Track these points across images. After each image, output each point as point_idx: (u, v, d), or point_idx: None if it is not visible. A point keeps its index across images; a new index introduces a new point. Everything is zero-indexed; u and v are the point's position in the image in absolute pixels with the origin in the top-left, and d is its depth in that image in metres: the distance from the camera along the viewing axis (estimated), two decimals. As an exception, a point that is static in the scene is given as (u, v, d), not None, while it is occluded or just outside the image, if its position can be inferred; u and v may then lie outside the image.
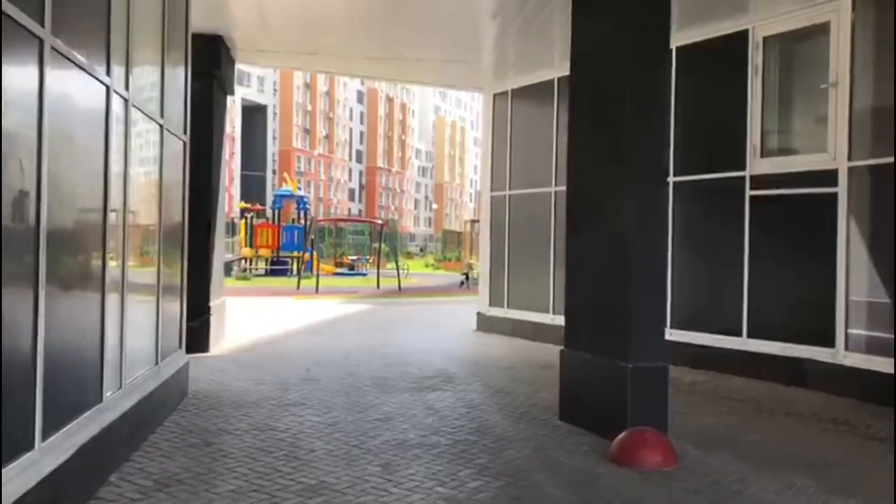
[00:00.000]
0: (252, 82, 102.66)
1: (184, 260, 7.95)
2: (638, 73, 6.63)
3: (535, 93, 13.51)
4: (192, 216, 11.63)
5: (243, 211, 38.06)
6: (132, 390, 5.88)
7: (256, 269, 36.54)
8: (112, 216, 5.34)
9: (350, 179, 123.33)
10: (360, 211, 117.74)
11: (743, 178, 9.93)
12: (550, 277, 12.89)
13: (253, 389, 8.45)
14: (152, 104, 6.59)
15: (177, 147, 7.55)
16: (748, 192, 9.88)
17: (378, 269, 28.04)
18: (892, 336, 8.11)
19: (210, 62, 11.20)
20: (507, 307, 13.88)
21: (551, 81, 12.94)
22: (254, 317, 16.70)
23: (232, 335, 12.77)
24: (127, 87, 5.63)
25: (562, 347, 7.78)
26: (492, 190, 14.36)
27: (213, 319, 11.34)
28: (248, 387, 8.61)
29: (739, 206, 9.93)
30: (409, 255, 69.03)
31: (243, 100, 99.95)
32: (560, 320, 12.98)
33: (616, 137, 6.78)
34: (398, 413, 7.39)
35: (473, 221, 54.91)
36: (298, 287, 25.57)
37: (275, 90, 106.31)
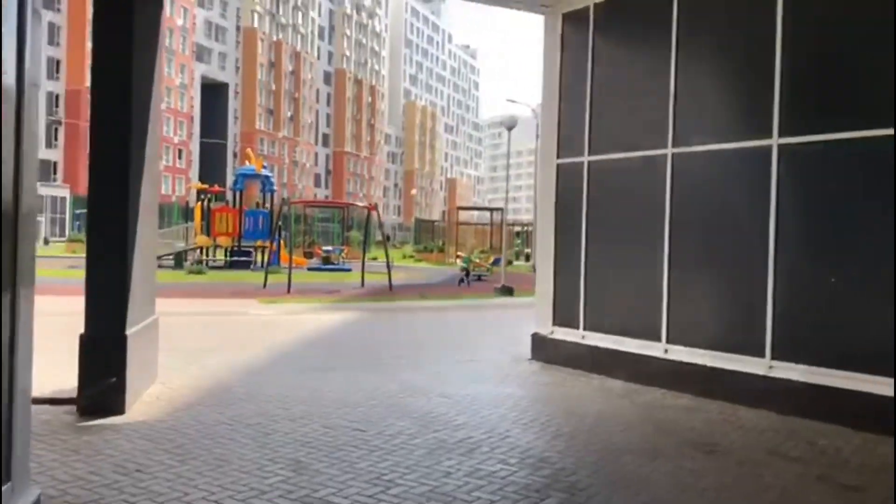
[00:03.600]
0: (212, 59, 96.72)
1: (17, 269, 3.31)
2: None
3: (636, 8, 9.03)
4: (96, 188, 7.08)
5: (200, 193, 33.00)
6: None
7: (214, 261, 31.60)
8: None
9: (316, 164, 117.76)
10: (326, 197, 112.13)
11: None
12: (663, 286, 8.45)
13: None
14: None
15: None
16: None
17: (363, 262, 23.34)
18: None
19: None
20: (584, 328, 9.41)
21: (668, -14, 8.47)
22: (207, 332, 12.01)
23: (169, 373, 8.13)
24: None
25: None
26: (559, 156, 9.84)
27: (133, 354, 6.69)
28: (181, 536, 4.03)
29: None
30: (380, 244, 64.42)
31: (203, 77, 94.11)
32: (679, 354, 8.23)
33: None
34: None
35: (460, 209, 50.56)
36: (265, 285, 20.81)
37: (237, 68, 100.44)
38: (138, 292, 7.01)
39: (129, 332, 6.64)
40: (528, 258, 45.27)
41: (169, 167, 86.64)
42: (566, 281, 9.69)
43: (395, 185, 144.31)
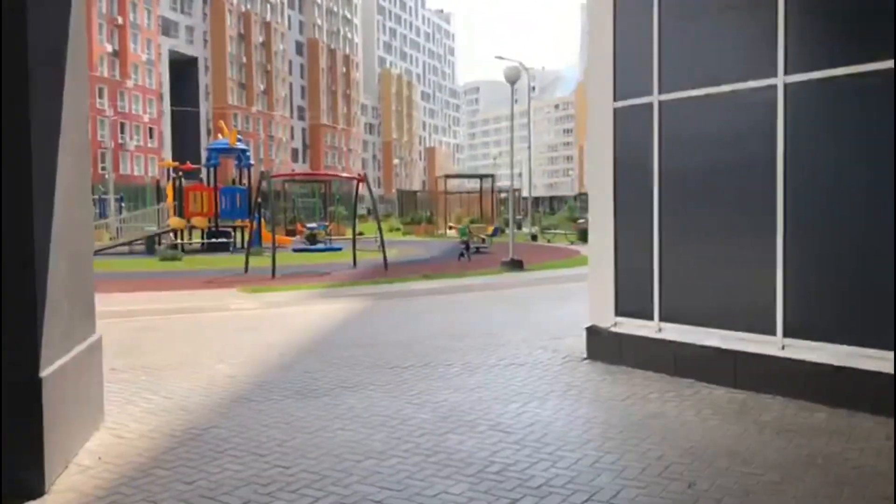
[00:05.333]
0: (180, 32, 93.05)
1: None
2: None
3: None
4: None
5: (171, 171, 30.51)
6: None
7: (190, 244, 29.27)
8: None
9: (292, 138, 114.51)
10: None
11: None
12: (777, 260, 6.36)
13: None
14: None
15: None
16: None
17: (354, 239, 21.07)
18: None
19: None
20: (661, 318, 7.32)
21: None
22: (177, 338, 9.80)
23: (122, 409, 6.00)
24: None
25: None
26: (617, 97, 7.66)
27: (53, 403, 4.55)
28: None
29: None
30: (362, 218, 62.12)
31: (171, 52, 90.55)
32: (804, 351, 5.99)
33: None
34: None
35: (448, 177, 48.22)
36: (247, 270, 18.57)
37: (205, 41, 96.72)
38: (61, 312, 4.82)
39: (44, 372, 4.46)
40: (519, 226, 43.20)
41: (140, 147, 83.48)
42: (632, 257, 7.58)
43: (374, 157, 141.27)
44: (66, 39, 5.12)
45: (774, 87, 6.32)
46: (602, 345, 7.81)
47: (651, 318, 7.38)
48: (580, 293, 13.90)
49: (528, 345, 8.80)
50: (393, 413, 6.01)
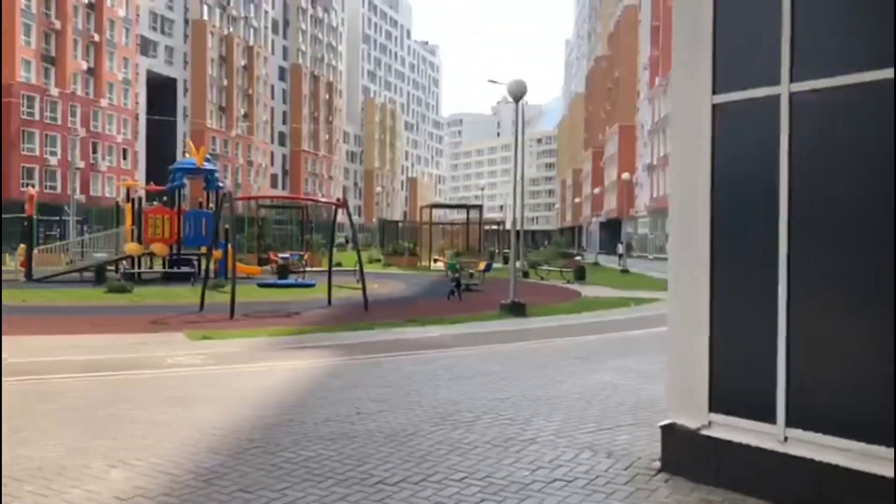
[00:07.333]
0: (159, 52, 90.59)
1: None
2: None
3: None
4: None
5: (130, 192, 27.78)
6: None
7: (150, 272, 26.49)
8: None
9: (272, 164, 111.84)
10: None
11: None
12: None
13: None
14: None
15: None
16: None
17: (330, 273, 18.44)
18: None
19: None
20: (788, 421, 4.79)
21: None
22: (71, 420, 7.10)
23: None
24: None
25: None
26: (718, 88, 5.19)
27: None
28: None
29: None
30: (340, 248, 59.57)
31: (149, 72, 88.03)
32: None
33: None
34: None
35: (433, 206, 45.78)
36: (202, 307, 15.89)
37: (185, 62, 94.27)
38: None
39: None
40: (506, 260, 40.82)
41: (113, 168, 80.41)
42: (741, 323, 5.08)
43: (355, 185, 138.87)
44: None
45: None
46: (687, 453, 5.27)
47: (771, 419, 4.86)
48: (604, 351, 11.21)
49: (568, 441, 6.23)
50: None
